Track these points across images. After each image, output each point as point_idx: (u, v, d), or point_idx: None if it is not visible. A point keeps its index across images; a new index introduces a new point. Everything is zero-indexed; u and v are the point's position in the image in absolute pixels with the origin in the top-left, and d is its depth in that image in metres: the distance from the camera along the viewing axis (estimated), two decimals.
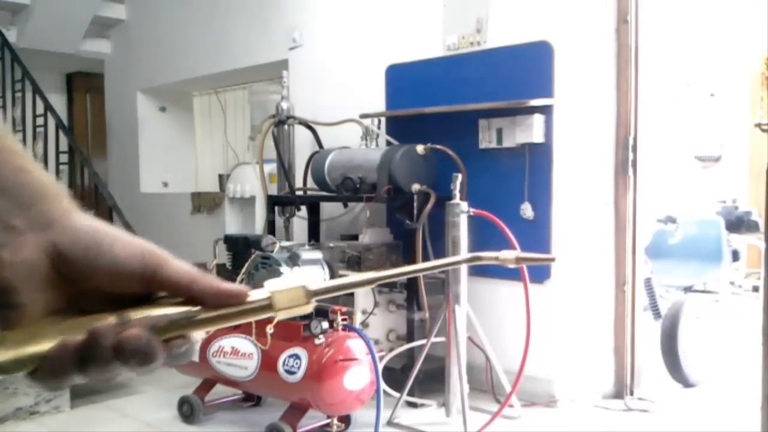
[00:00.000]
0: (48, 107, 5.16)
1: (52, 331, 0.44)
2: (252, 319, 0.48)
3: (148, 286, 0.46)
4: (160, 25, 6.01)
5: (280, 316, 0.48)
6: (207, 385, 3.49)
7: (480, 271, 3.55)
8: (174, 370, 3.51)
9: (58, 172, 5.23)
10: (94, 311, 0.45)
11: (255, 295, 0.47)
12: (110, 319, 0.44)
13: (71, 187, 5.13)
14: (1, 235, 0.45)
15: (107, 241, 0.46)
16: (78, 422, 3.46)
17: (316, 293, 0.48)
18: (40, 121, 5.29)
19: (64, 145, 5.23)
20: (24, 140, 5.31)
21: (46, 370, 0.43)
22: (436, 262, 0.56)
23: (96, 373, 0.43)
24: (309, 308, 0.48)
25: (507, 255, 0.53)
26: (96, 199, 4.97)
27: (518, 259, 0.53)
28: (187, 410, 3.43)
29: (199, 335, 0.47)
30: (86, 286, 0.46)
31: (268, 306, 0.47)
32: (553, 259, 0.60)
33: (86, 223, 0.47)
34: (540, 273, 3.52)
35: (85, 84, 7.30)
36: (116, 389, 3.95)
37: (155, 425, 3.42)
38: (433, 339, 3.32)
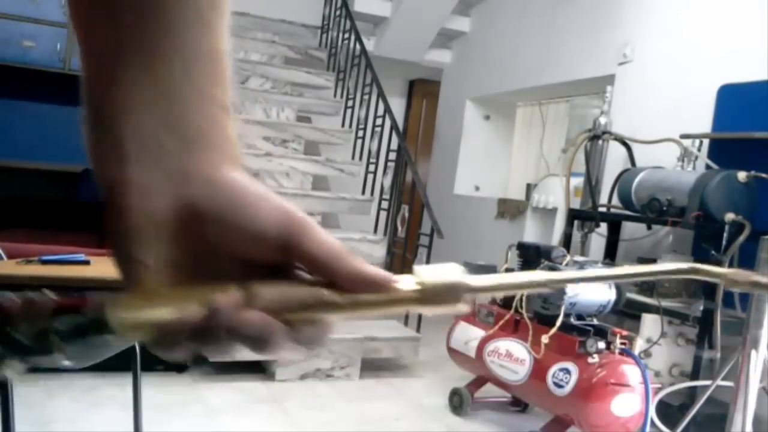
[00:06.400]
0: (387, 110, 5.69)
1: (172, 298, 0.40)
2: (394, 311, 0.42)
3: (286, 256, 0.41)
4: (496, 38, 6.29)
5: (427, 312, 0.41)
6: (478, 382, 3.60)
7: None
8: (453, 362, 3.68)
9: (386, 168, 5.75)
10: (223, 277, 0.40)
11: (403, 284, 0.41)
12: (234, 293, 0.39)
13: (394, 182, 5.63)
14: (154, 155, 0.41)
15: (250, 200, 0.41)
16: (363, 390, 3.82)
17: (475, 289, 0.41)
18: (379, 121, 5.87)
19: (395, 144, 5.73)
20: (363, 138, 5.95)
21: (159, 340, 0.40)
22: (642, 268, 0.45)
23: (210, 349, 0.41)
24: (461, 308, 0.41)
25: (739, 276, 0.42)
26: (412, 195, 5.38)
27: (753, 284, 0.42)
28: (457, 402, 3.58)
29: (332, 322, 0.41)
30: (218, 248, 0.41)
31: (415, 299, 0.41)
32: None
33: (233, 178, 0.42)
34: None
35: (423, 90, 7.94)
36: (400, 369, 4.27)
37: (426, 409, 3.63)
38: (720, 382, 3.01)
